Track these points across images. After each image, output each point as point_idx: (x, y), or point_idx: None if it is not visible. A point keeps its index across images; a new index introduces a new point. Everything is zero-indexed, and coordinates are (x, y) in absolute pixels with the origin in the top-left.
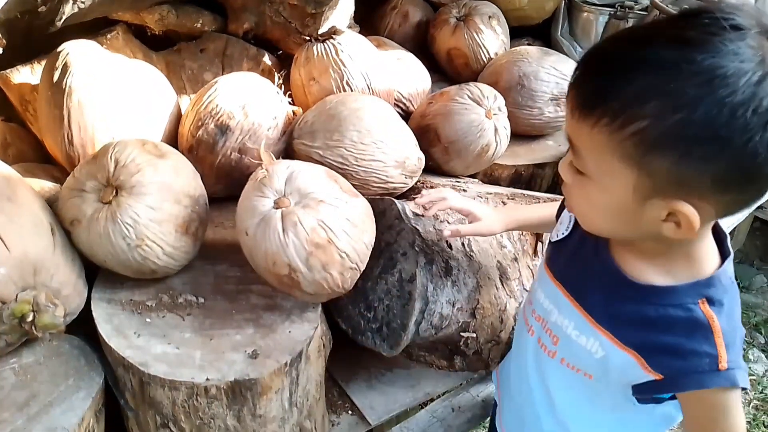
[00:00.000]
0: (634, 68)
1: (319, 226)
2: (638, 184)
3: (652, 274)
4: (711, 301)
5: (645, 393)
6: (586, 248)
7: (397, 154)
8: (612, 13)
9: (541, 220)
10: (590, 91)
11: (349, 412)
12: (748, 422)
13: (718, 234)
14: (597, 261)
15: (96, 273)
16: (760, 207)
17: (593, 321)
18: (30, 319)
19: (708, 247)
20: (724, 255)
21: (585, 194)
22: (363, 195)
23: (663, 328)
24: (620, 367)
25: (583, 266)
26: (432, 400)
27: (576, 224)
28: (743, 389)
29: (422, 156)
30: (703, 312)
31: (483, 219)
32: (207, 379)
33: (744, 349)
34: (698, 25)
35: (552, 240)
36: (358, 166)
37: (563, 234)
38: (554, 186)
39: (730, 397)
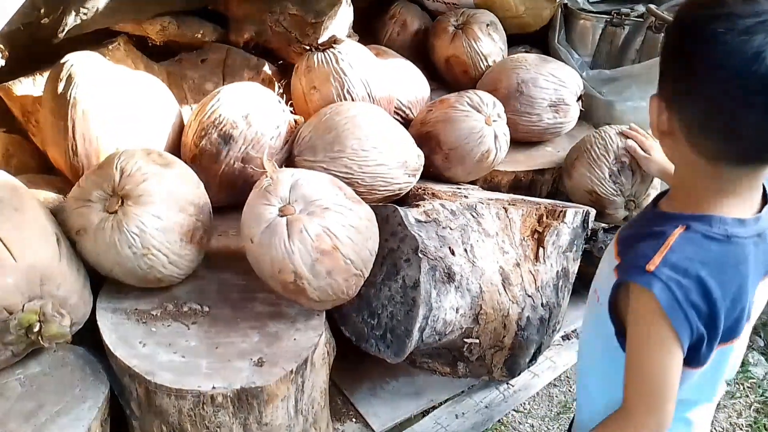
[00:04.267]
0: None
1: (324, 233)
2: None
3: (668, 206)
4: (688, 228)
5: (614, 294)
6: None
7: (398, 155)
8: (608, 20)
9: None
10: None
11: (354, 420)
12: (749, 425)
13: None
14: (650, 204)
15: (99, 283)
16: None
17: (615, 243)
18: (37, 329)
19: (725, 199)
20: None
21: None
22: (370, 200)
23: (643, 239)
24: (607, 273)
25: (639, 214)
26: (436, 406)
27: None
28: (671, 326)
29: (421, 153)
30: (674, 231)
31: (651, 155)
32: (213, 388)
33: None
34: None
35: None
36: (363, 173)
37: None
38: (555, 191)
39: (650, 311)
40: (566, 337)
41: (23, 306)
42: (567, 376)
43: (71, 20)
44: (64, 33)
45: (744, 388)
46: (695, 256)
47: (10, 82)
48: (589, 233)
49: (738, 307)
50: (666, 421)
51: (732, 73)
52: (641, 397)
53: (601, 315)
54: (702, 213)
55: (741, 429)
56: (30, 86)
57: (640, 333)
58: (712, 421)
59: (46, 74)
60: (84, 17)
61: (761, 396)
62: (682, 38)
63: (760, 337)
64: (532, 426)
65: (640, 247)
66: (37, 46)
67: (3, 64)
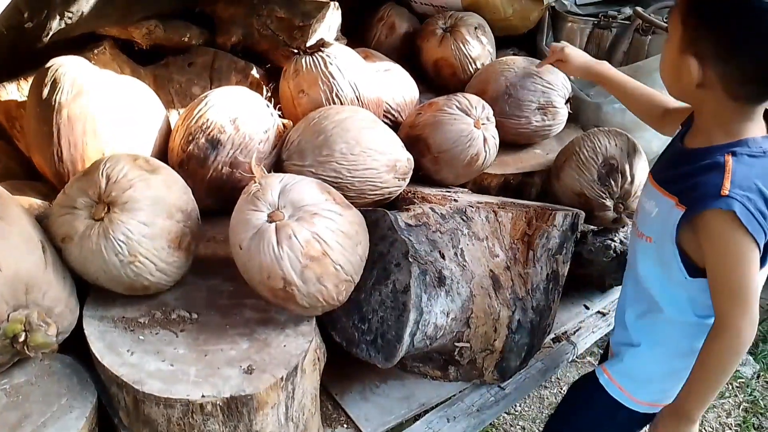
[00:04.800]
0: None
1: (313, 238)
2: (682, 37)
3: (699, 143)
4: (734, 154)
5: (679, 228)
6: (673, 144)
7: (387, 158)
8: (596, 22)
9: (632, 89)
10: None
11: (344, 425)
12: (738, 425)
13: None
14: (673, 146)
15: (86, 291)
16: None
17: (658, 186)
18: (22, 339)
19: (748, 125)
20: None
21: (664, 52)
22: (359, 204)
23: (694, 174)
24: (665, 214)
25: (667, 157)
26: (427, 411)
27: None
28: (750, 235)
29: (410, 156)
30: (724, 159)
31: (568, 61)
32: (202, 396)
33: None
34: None
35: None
36: (352, 177)
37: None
38: (544, 194)
39: (730, 228)
40: (557, 340)
41: (8, 315)
42: (557, 378)
43: (56, 24)
44: (49, 37)
45: (733, 388)
46: (750, 174)
47: None
48: (578, 236)
49: None
50: (756, 319)
51: None
52: (734, 303)
53: (660, 249)
54: (737, 140)
55: (730, 428)
56: (14, 91)
57: (724, 249)
58: (701, 422)
59: (30, 79)
60: (69, 21)
61: (750, 395)
62: (727, 10)
63: None
64: (523, 428)
65: (704, 179)
66: (21, 51)
67: None
